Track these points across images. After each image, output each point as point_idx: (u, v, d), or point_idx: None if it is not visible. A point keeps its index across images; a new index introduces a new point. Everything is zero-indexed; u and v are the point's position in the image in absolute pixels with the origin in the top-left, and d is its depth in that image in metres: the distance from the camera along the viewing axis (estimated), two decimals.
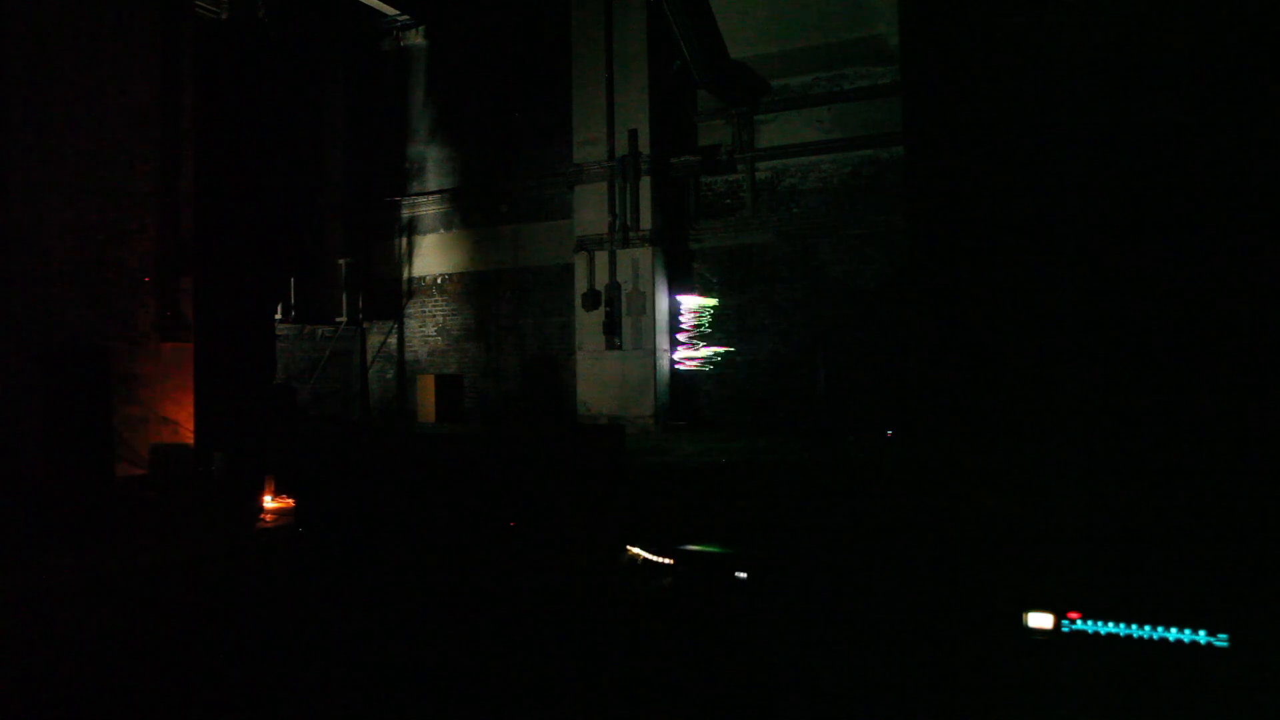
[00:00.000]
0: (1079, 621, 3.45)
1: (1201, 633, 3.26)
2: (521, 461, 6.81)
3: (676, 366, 13.57)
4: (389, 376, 16.67)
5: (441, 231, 16.42)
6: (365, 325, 16.23)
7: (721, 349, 13.53)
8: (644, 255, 13.30)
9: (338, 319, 15.71)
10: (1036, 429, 4.84)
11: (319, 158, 16.71)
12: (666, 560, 5.57)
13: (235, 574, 6.20)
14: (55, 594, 5.58)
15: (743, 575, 4.29)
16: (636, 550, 5.85)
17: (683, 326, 13.57)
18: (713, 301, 13.63)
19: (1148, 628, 3.34)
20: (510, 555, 6.28)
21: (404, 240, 16.69)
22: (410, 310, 16.61)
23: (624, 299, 13.42)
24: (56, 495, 7.51)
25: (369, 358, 16.32)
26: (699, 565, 4.59)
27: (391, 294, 16.69)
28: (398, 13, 16.39)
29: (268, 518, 7.77)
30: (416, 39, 16.77)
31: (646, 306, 13.26)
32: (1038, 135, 4.80)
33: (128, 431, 8.39)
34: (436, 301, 16.41)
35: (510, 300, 15.69)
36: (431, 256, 16.49)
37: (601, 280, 13.60)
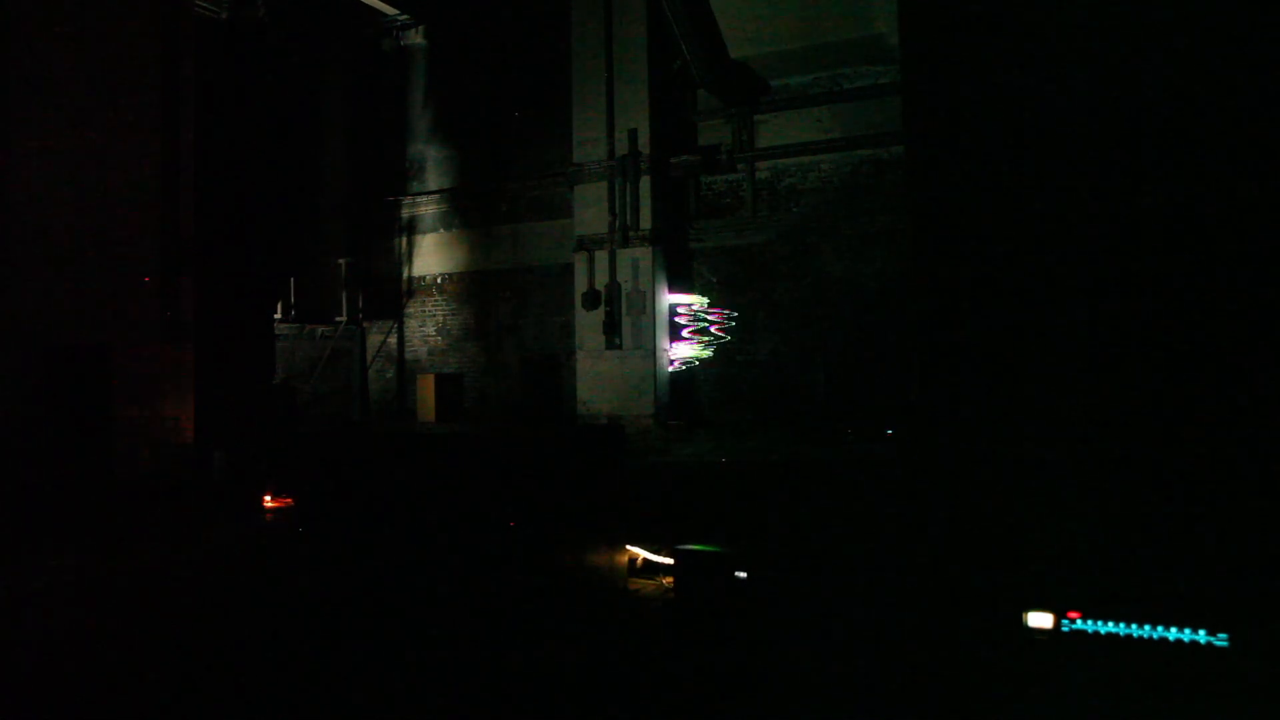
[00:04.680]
0: (1079, 621, 3.45)
1: (1201, 633, 3.26)
2: (522, 461, 6.81)
3: (673, 365, 13.57)
4: (389, 376, 16.67)
5: (441, 231, 16.42)
6: (365, 325, 16.23)
7: (701, 350, 13.50)
8: (644, 255, 13.29)
9: (338, 319, 15.71)
10: (1037, 428, 4.84)
11: (319, 158, 16.70)
12: (666, 560, 5.57)
13: (235, 574, 6.20)
14: (55, 594, 5.58)
15: (743, 575, 4.29)
16: (636, 550, 5.85)
17: (679, 324, 13.56)
18: (702, 299, 13.62)
19: (1148, 627, 3.34)
20: (510, 555, 6.28)
21: (404, 240, 16.68)
22: (410, 310, 16.60)
23: (624, 299, 13.41)
24: (56, 495, 7.51)
25: (369, 357, 16.32)
26: (699, 565, 4.59)
27: (391, 294, 16.68)
28: (398, 13, 16.38)
29: (268, 518, 7.78)
30: (416, 39, 16.76)
31: (646, 306, 13.25)
32: (1039, 134, 4.80)
33: (128, 431, 8.39)
34: (436, 301, 16.41)
35: (510, 300, 15.68)
36: (431, 256, 16.48)
37: (601, 280, 13.60)
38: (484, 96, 15.92)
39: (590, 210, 13.76)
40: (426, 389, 14.30)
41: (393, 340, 16.62)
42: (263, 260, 10.92)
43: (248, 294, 10.55)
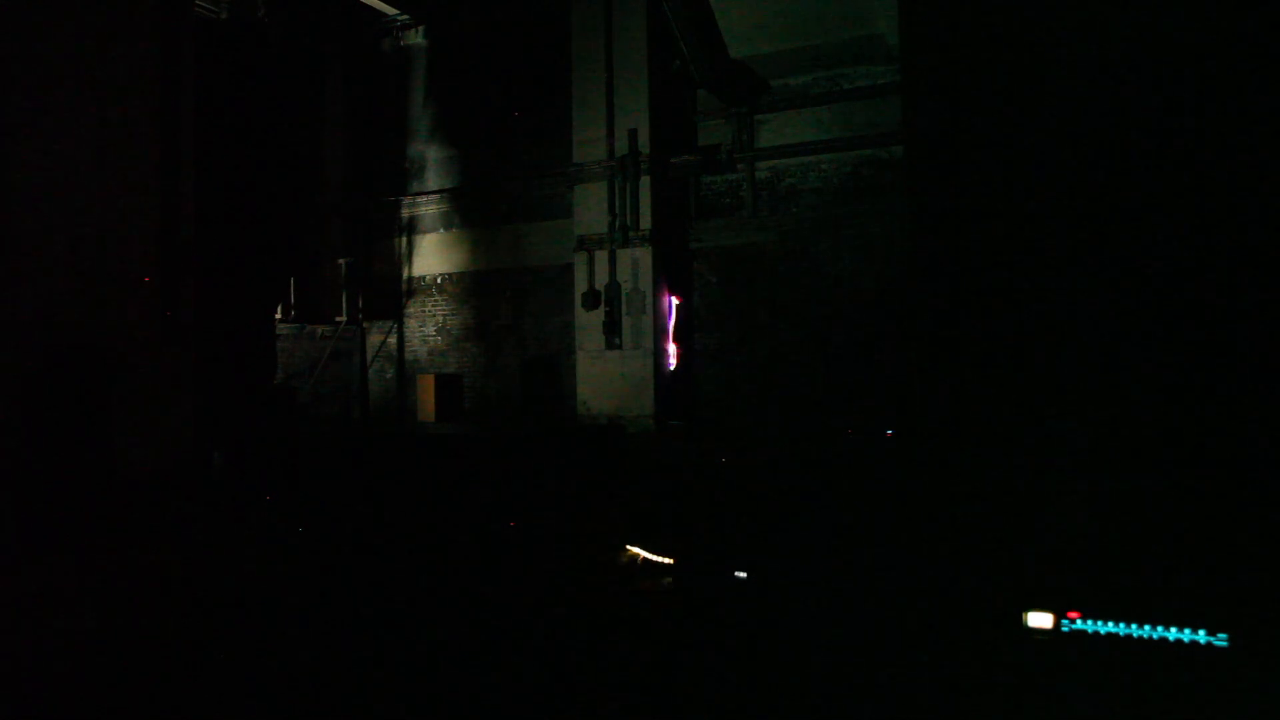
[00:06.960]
0: (1079, 621, 3.45)
1: (1201, 633, 3.26)
2: (522, 462, 6.82)
3: (673, 366, 13.59)
4: (389, 376, 16.67)
5: (441, 231, 16.42)
6: (365, 325, 16.23)
7: (701, 351, 13.51)
8: (644, 255, 13.30)
9: (338, 319, 15.71)
10: (1037, 429, 4.84)
11: (319, 158, 16.70)
12: (666, 560, 5.57)
13: (235, 574, 6.20)
14: (55, 594, 5.58)
15: (742, 575, 4.29)
16: (636, 550, 5.85)
17: (679, 324, 13.57)
18: (703, 299, 13.63)
19: (1147, 627, 3.34)
20: (510, 555, 6.28)
21: (404, 240, 16.69)
22: (410, 310, 16.61)
23: (624, 299, 13.41)
24: (56, 496, 7.51)
25: (369, 358, 16.32)
26: (699, 565, 4.59)
27: (391, 294, 16.68)
28: (398, 13, 16.39)
29: (267, 518, 7.77)
30: (416, 39, 16.76)
31: (646, 306, 13.26)
32: (1039, 135, 4.80)
33: (128, 431, 8.39)
34: (436, 301, 16.41)
35: (510, 300, 15.69)
36: (431, 256, 16.49)
37: (601, 280, 13.60)
38: (484, 96, 15.93)
39: (590, 210, 13.76)
40: (426, 389, 14.31)
41: (393, 340, 16.62)
42: (263, 260, 10.92)
43: (248, 294, 10.55)
